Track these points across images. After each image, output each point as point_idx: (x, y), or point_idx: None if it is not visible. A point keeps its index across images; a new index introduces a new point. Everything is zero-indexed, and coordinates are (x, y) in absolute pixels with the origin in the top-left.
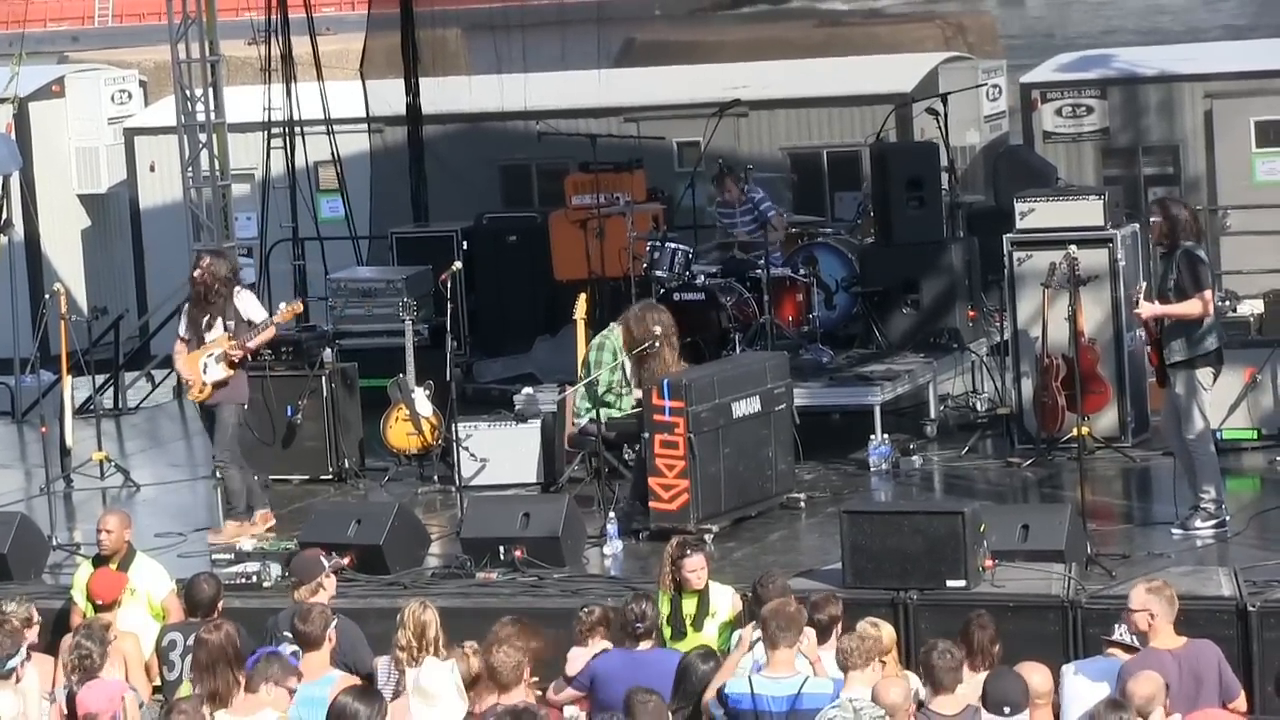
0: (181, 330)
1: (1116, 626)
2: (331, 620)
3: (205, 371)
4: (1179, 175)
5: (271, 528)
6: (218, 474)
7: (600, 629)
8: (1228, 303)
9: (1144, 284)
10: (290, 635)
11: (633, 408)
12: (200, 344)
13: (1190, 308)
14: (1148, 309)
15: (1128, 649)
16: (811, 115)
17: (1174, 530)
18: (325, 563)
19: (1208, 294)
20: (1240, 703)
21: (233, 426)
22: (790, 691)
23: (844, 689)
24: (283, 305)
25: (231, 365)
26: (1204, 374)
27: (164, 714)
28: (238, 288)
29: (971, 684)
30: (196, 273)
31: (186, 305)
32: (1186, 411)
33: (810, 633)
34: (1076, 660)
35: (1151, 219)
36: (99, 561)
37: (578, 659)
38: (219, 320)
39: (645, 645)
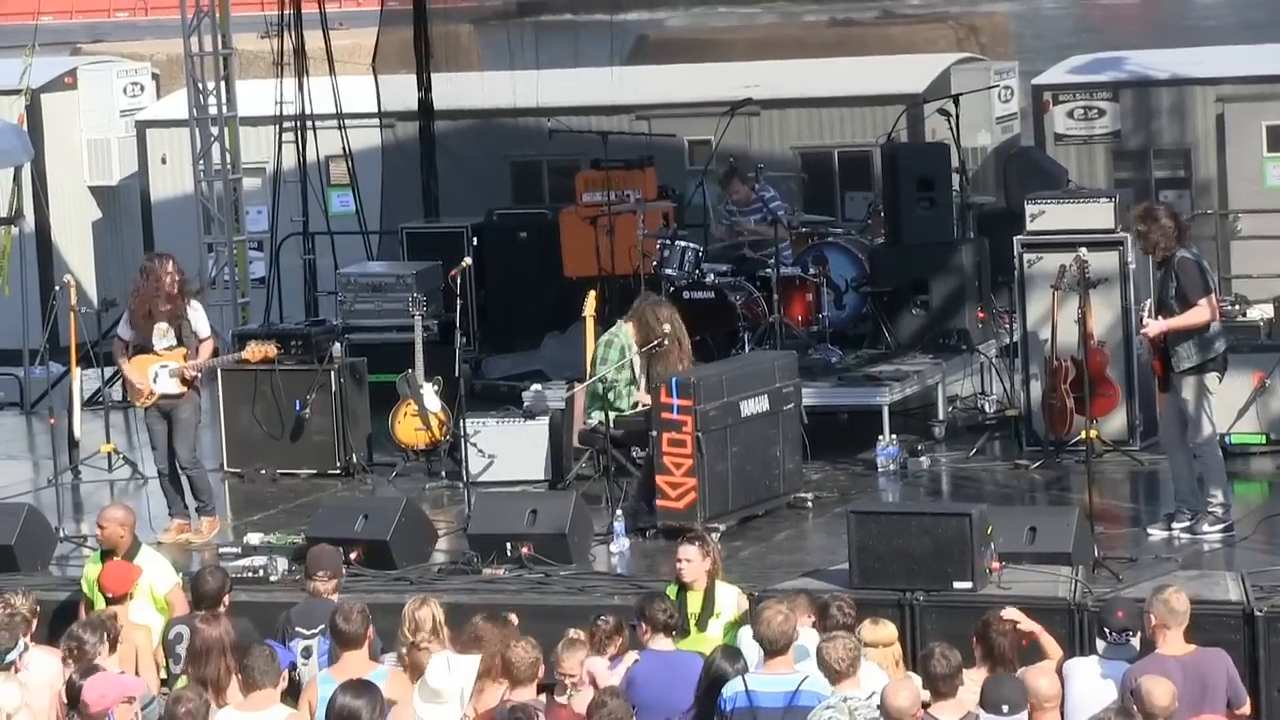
0: (123, 331)
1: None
2: (369, 621)
3: (155, 381)
4: (1190, 179)
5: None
6: (187, 475)
7: (616, 637)
8: (1237, 306)
9: (1148, 302)
10: (302, 631)
11: (632, 408)
12: (146, 347)
13: (1196, 316)
14: (1154, 327)
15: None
16: (823, 115)
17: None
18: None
19: (1211, 299)
20: (1246, 709)
21: (194, 426)
22: (788, 689)
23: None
24: (252, 344)
25: (184, 383)
26: (1211, 379)
27: (169, 704)
28: (193, 300)
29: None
30: (165, 278)
31: (134, 303)
32: (1195, 417)
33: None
34: (1079, 657)
35: (1147, 225)
36: (105, 555)
37: (600, 668)
38: (173, 332)
39: (668, 644)
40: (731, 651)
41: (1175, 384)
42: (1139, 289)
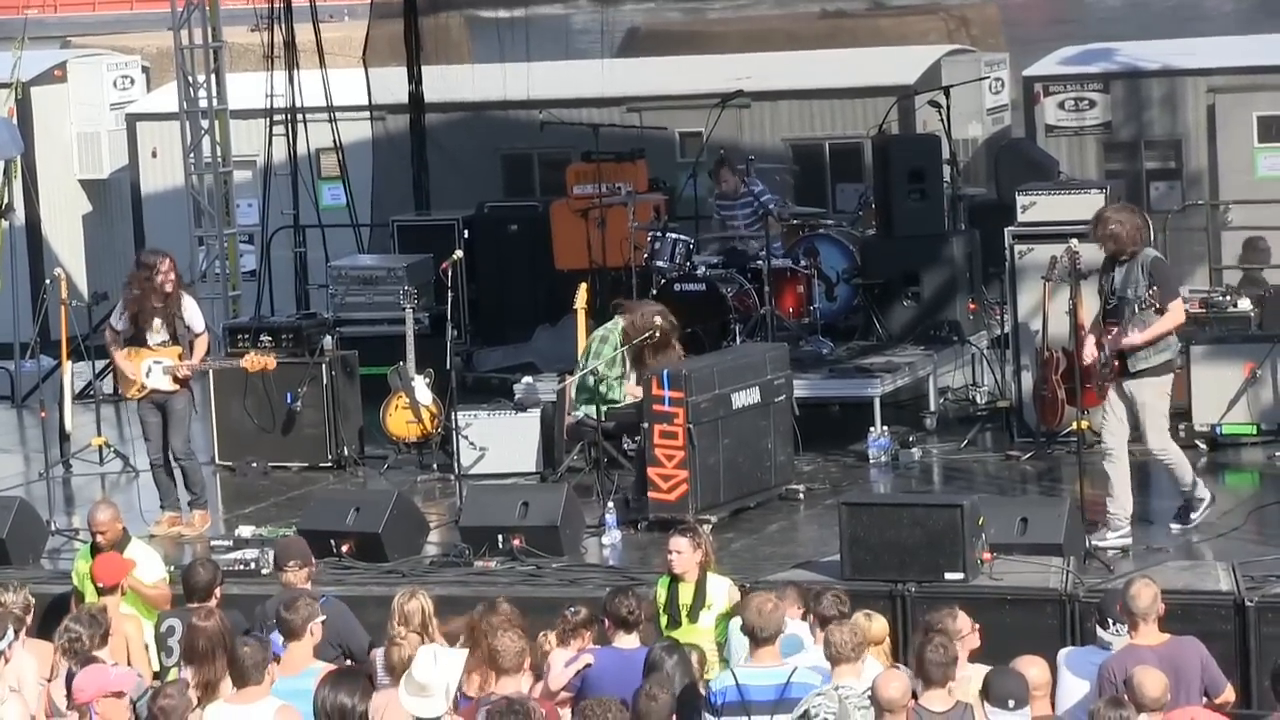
0: (116, 321)
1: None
2: (317, 614)
3: (147, 375)
4: (1181, 170)
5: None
6: (179, 465)
7: (584, 631)
8: (1228, 297)
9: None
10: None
11: (624, 400)
12: (139, 340)
13: (1174, 320)
14: (1138, 337)
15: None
16: (814, 107)
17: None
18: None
19: (1181, 300)
20: (1228, 695)
21: (189, 417)
22: (778, 681)
23: (832, 679)
24: (252, 353)
25: (176, 381)
26: (1169, 380)
27: (151, 698)
28: (184, 295)
29: (963, 681)
30: (159, 277)
31: (129, 299)
32: (1155, 421)
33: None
34: (1071, 648)
35: (1120, 223)
36: (96, 549)
37: (559, 664)
38: (167, 329)
39: (632, 641)
40: (670, 644)
41: (1128, 389)
42: None
